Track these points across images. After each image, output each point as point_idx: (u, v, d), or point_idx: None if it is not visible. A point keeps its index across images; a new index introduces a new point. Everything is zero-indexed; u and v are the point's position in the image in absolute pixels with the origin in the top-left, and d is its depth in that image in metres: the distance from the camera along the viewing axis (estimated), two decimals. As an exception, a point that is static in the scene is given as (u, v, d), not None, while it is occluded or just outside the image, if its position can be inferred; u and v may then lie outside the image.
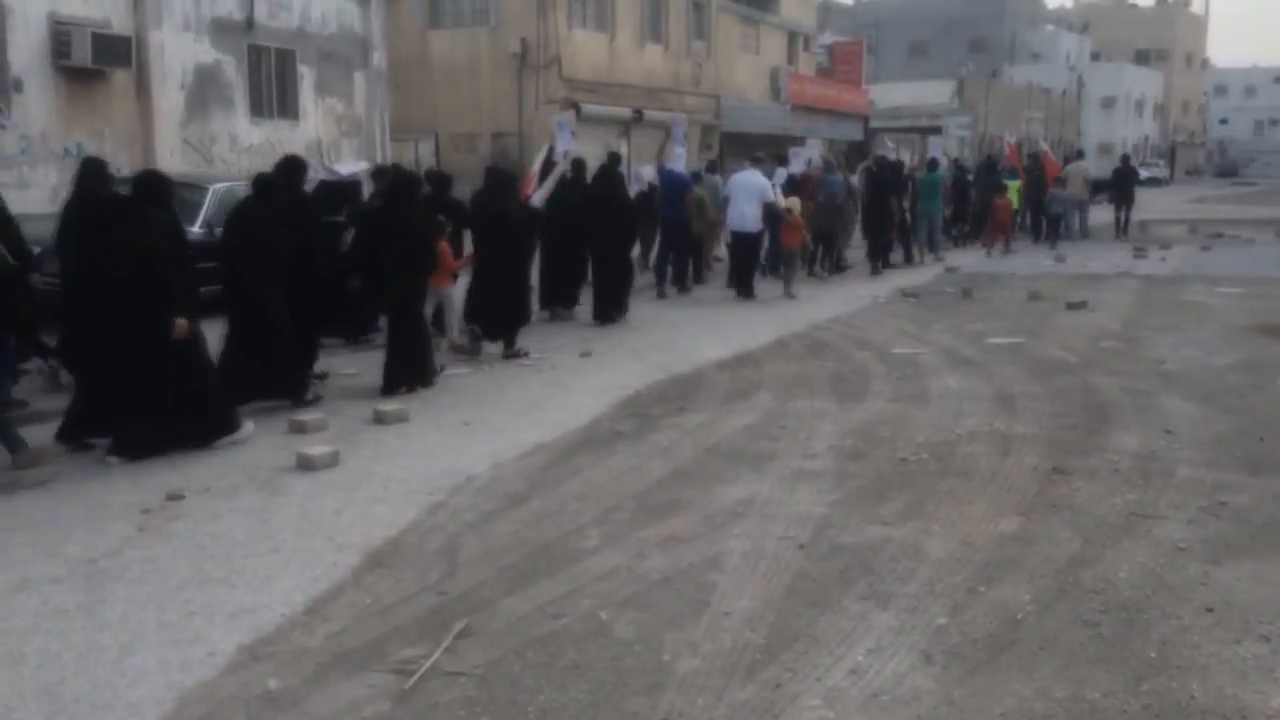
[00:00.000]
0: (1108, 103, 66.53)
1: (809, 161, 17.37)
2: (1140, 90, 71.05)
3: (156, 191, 6.54)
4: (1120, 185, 23.86)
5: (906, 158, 18.80)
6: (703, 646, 3.85)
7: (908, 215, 17.62)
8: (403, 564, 4.68)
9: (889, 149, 21.68)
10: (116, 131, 15.13)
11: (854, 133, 38.92)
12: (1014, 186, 20.88)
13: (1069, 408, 7.45)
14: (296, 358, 7.58)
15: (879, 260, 16.53)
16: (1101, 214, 24.17)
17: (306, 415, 7.04)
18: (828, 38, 45.24)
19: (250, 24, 16.99)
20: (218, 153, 16.57)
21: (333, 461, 6.12)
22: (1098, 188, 24.43)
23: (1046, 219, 21.43)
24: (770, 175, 14.56)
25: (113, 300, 6.22)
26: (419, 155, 23.00)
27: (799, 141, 27.36)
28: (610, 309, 11.29)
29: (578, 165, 11.68)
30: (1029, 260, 18.31)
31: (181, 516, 5.29)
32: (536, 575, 4.52)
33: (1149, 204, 33.38)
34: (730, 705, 3.46)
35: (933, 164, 19.20)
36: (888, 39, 65.43)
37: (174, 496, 5.54)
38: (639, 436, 6.79)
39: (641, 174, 14.05)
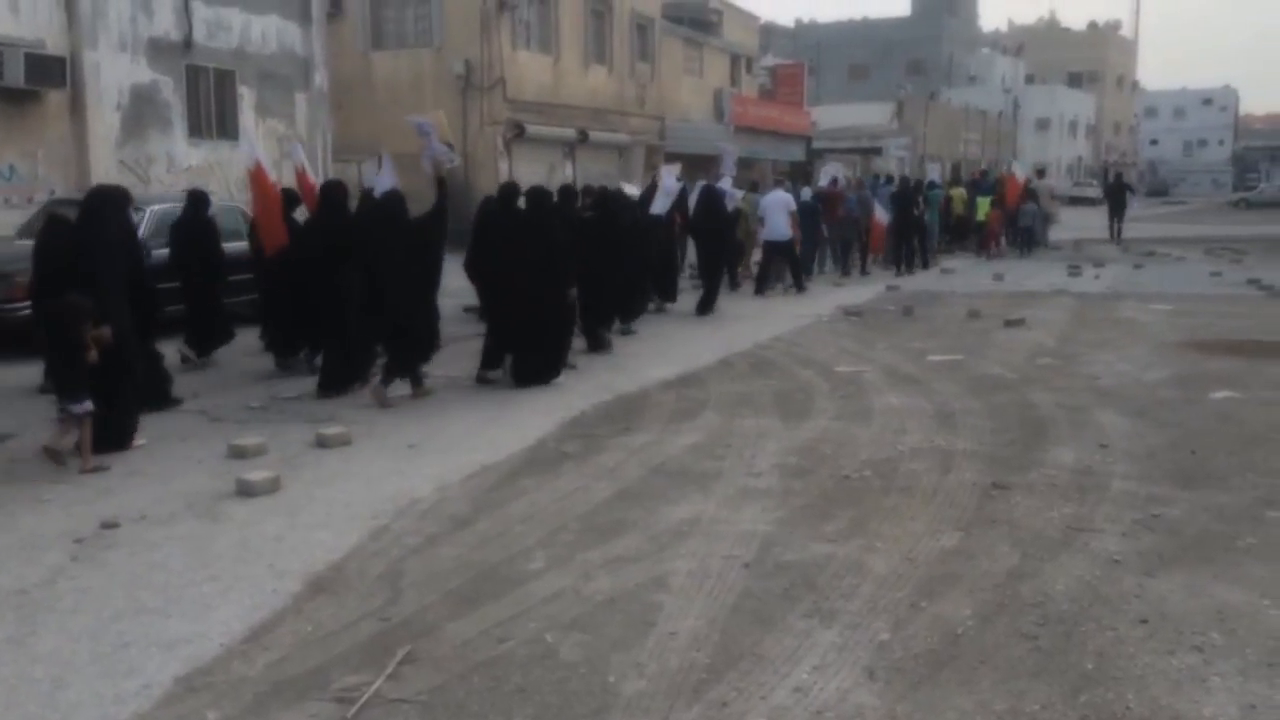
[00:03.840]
0: (1042, 124, 68.04)
1: (835, 180, 20.39)
2: (1073, 112, 72.74)
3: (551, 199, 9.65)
4: (1114, 198, 28.70)
5: (848, 177, 22.87)
6: (648, 667, 3.85)
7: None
8: (345, 590, 4.63)
9: (927, 171, 26.05)
10: (50, 153, 14.87)
11: (796, 153, 39.38)
12: (983, 203, 24.00)
13: (1007, 424, 7.58)
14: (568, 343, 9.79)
15: (902, 264, 19.59)
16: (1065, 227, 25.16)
17: (246, 440, 6.93)
18: (769, 60, 45.83)
19: (188, 44, 16.81)
20: (155, 174, 16.33)
21: (273, 487, 6.03)
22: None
23: (1017, 230, 24.52)
24: (797, 192, 18.29)
25: (517, 275, 8.83)
26: (361, 176, 22.84)
27: (744, 164, 27.76)
28: (709, 304, 13.99)
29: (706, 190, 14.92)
30: (968, 279, 18.64)
31: (117, 545, 5.18)
32: (481, 599, 4.49)
33: (1081, 222, 34.17)
34: (676, 726, 3.46)
35: (931, 184, 23.22)
36: (828, 61, 66.39)
37: (109, 525, 5.42)
38: (585, 457, 6.79)
39: (735, 194, 16.16)
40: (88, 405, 6.47)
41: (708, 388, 9.01)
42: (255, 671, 3.87)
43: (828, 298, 15.67)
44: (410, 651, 3.98)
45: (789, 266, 16.57)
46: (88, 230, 6.96)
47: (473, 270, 9.27)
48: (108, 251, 6.91)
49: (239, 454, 6.73)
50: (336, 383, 8.76)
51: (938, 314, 13.77)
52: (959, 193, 24.80)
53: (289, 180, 12.03)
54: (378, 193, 9.01)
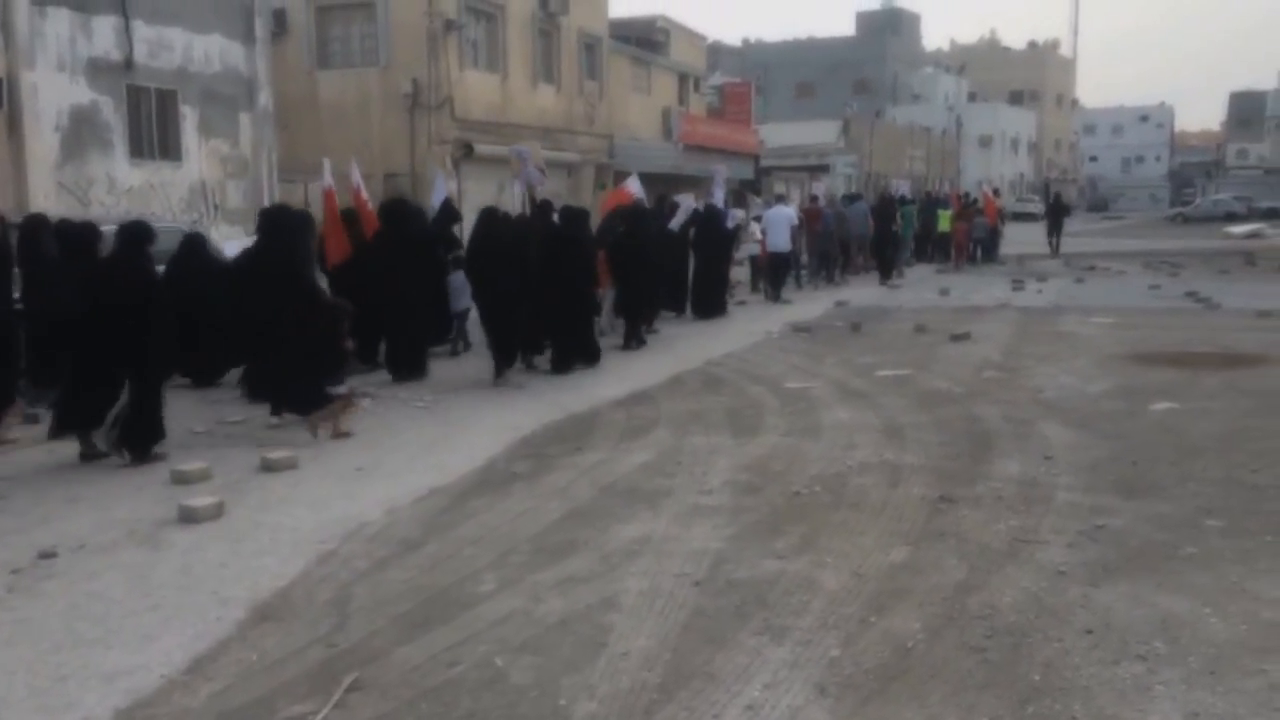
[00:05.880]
0: (985, 141, 69.20)
1: (815, 197, 22.60)
2: (1015, 129, 74.06)
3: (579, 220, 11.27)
4: (1053, 216, 31.02)
5: (828, 195, 24.90)
6: (600, 689, 3.83)
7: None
8: (291, 617, 4.55)
9: (895, 187, 27.76)
10: (-14, 174, 14.55)
11: (745, 171, 39.62)
12: (945, 215, 26.13)
13: (954, 437, 7.66)
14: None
15: (885, 272, 21.57)
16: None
17: (189, 465, 6.81)
18: (717, 79, 46.11)
19: (129, 64, 16.54)
20: (95, 195, 16.02)
21: (217, 513, 5.92)
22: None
23: (972, 242, 26.28)
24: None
25: (561, 270, 10.49)
26: (308, 197, 22.62)
27: (693, 182, 28.13)
28: (712, 310, 15.48)
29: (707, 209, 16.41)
30: (914, 294, 18.87)
31: (55, 575, 5.05)
32: (431, 623, 4.44)
33: (1024, 237, 34.73)
34: (628, 747, 3.43)
35: (903, 199, 25.25)
36: (775, 80, 67.04)
37: (46, 555, 5.29)
38: (535, 477, 6.75)
39: (735, 213, 17.76)
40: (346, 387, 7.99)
41: (658, 405, 9.01)
42: (198, 703, 3.78)
43: (778, 314, 15.78)
44: (358, 679, 3.92)
45: (776, 277, 17.89)
46: (287, 249, 8.19)
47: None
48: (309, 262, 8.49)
49: (181, 480, 6.60)
50: (419, 371, 10.26)
51: (885, 329, 13.91)
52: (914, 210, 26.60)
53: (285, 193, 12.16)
54: (435, 202, 10.84)
